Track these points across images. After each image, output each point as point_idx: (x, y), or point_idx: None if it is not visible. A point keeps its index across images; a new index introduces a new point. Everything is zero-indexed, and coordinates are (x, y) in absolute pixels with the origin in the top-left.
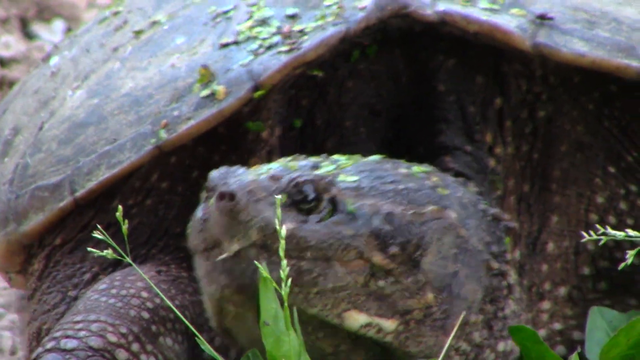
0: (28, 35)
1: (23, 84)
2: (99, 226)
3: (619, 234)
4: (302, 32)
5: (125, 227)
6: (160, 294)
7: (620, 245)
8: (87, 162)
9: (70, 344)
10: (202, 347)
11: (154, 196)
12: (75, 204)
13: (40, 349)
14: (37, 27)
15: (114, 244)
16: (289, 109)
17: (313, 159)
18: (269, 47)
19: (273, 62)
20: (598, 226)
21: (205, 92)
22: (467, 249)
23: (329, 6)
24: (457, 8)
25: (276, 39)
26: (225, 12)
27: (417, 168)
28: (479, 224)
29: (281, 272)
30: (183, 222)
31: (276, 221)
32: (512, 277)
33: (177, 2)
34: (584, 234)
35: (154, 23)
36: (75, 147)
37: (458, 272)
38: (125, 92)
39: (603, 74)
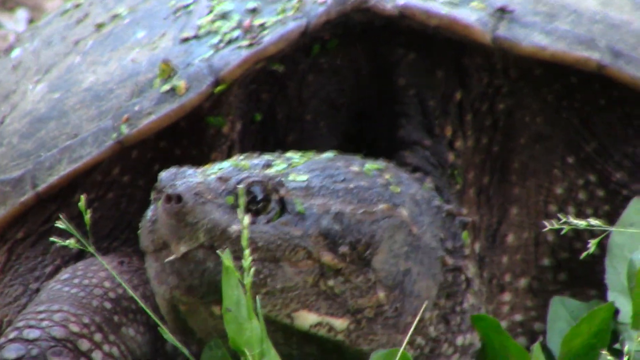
0: None
1: None
2: (61, 216)
3: (581, 223)
4: (262, 27)
5: (87, 216)
6: (123, 283)
7: (580, 236)
8: (48, 156)
9: (33, 334)
10: (165, 337)
11: (115, 190)
12: (37, 198)
13: (2, 339)
14: (1, 17)
15: (76, 234)
16: (250, 104)
17: (266, 157)
18: (230, 42)
19: (234, 57)
20: (560, 215)
21: (166, 87)
22: (420, 247)
23: (289, 0)
24: (417, 2)
25: (237, 33)
26: (186, 6)
27: (370, 165)
28: (433, 221)
29: (243, 261)
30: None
31: (224, 221)
32: (471, 270)
33: None
34: (546, 223)
35: (115, 16)
36: (36, 141)
37: (410, 269)
38: (86, 86)
39: (564, 67)
